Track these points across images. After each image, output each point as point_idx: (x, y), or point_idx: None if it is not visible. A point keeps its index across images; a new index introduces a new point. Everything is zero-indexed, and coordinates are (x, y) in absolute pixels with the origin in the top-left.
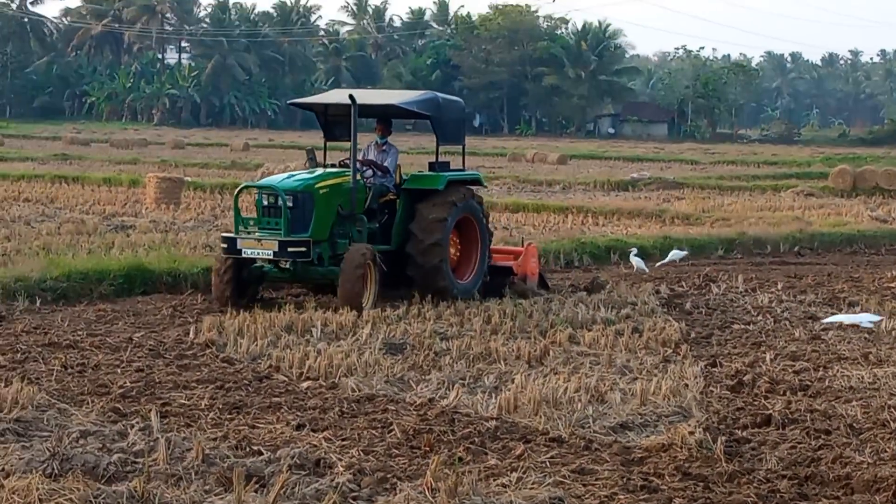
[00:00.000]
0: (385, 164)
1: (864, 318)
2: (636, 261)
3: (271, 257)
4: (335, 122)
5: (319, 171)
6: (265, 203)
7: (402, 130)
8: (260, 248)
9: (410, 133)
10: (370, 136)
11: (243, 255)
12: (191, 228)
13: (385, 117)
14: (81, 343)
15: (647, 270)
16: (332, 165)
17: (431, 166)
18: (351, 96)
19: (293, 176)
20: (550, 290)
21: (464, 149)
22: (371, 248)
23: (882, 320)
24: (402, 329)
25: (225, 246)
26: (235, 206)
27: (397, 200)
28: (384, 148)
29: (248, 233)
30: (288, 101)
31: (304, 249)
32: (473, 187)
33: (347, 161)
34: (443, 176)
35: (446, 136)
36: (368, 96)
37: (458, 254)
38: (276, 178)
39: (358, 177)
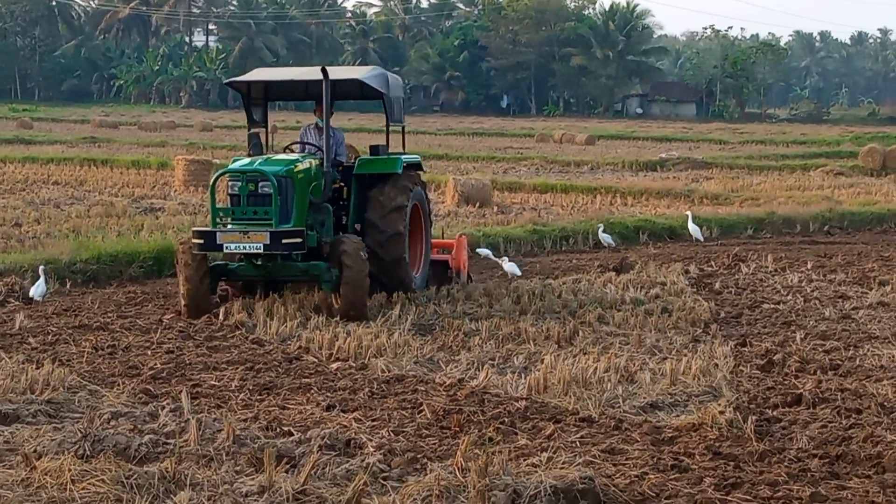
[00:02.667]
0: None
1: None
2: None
3: (261, 251)
4: (257, 105)
5: (279, 156)
6: (246, 191)
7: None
8: (247, 242)
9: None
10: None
11: (225, 252)
12: None
13: (338, 97)
14: (112, 325)
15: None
16: (276, 152)
17: (374, 150)
18: (323, 69)
19: (262, 161)
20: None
21: (404, 129)
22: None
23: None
24: (431, 310)
25: (200, 242)
26: (212, 195)
27: (343, 188)
28: (330, 132)
29: (226, 225)
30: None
31: (300, 241)
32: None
33: (294, 146)
34: (399, 159)
35: (394, 115)
36: (316, 73)
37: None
38: (247, 163)
39: (315, 163)
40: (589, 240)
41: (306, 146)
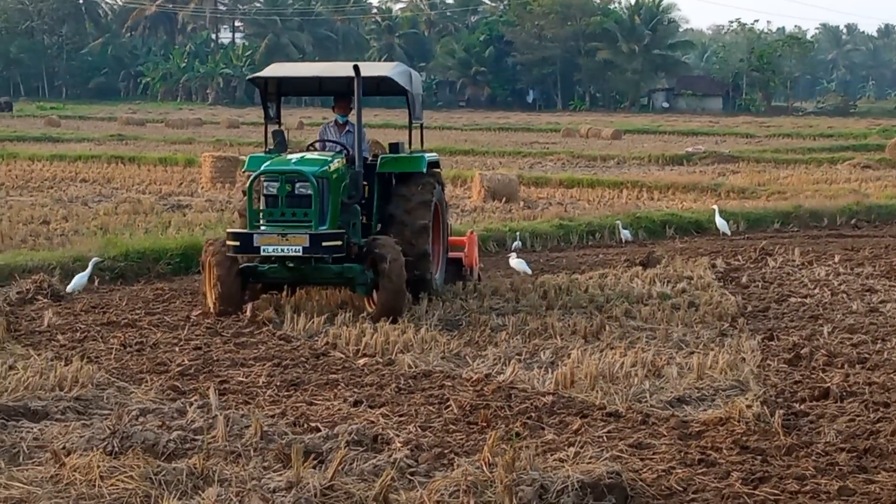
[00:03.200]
0: (351, 146)
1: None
2: (625, 233)
3: (300, 254)
4: (272, 100)
5: (310, 154)
6: (285, 192)
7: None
8: (285, 245)
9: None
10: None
11: (263, 254)
12: None
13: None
14: (140, 322)
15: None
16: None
17: (393, 147)
18: (356, 66)
19: (297, 160)
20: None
21: (422, 126)
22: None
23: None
24: (457, 305)
25: (236, 244)
26: (249, 196)
27: (365, 186)
28: (348, 129)
29: (264, 227)
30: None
31: (340, 243)
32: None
33: (316, 144)
34: (423, 157)
35: (416, 112)
36: (335, 69)
37: None
38: (284, 163)
39: (343, 161)
40: (616, 234)
41: (327, 144)
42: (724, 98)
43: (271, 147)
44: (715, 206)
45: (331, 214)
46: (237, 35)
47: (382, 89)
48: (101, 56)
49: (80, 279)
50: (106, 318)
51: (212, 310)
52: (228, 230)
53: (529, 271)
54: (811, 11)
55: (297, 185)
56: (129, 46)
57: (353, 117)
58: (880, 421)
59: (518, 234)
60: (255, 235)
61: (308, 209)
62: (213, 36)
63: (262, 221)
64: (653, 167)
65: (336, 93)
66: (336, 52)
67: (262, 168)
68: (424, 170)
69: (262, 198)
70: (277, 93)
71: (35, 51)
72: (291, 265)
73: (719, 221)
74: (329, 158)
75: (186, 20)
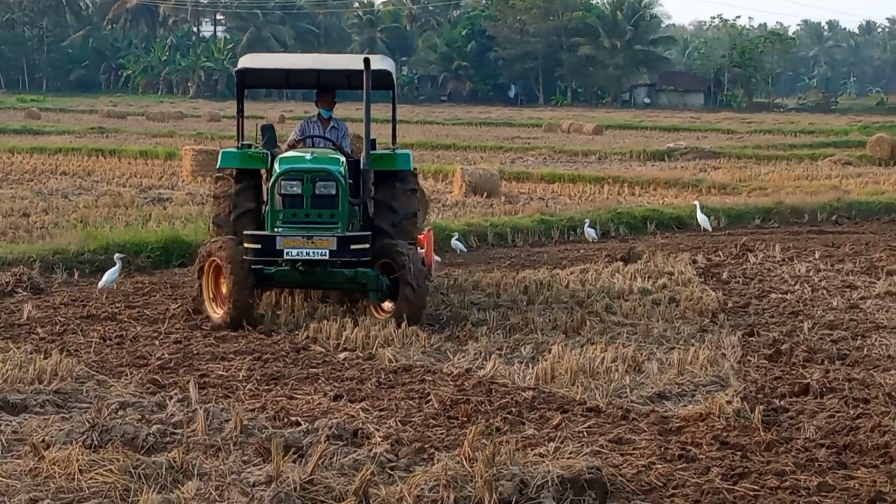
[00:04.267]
0: (339, 143)
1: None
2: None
3: (326, 258)
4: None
5: (319, 151)
6: (310, 191)
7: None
8: (311, 248)
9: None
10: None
11: (285, 258)
12: None
13: (340, 87)
14: (120, 315)
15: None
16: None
17: (372, 144)
18: (366, 59)
19: (316, 157)
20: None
21: (395, 120)
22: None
23: None
24: (438, 300)
25: (257, 247)
26: (272, 195)
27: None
28: (333, 124)
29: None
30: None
31: (367, 246)
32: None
33: (307, 141)
34: (408, 155)
35: (394, 107)
36: (334, 61)
37: None
38: (306, 160)
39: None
40: (597, 230)
41: (316, 140)
42: (706, 94)
43: (250, 143)
44: (696, 202)
45: (346, 215)
46: (219, 28)
47: (376, 83)
48: (81, 48)
49: (111, 275)
50: (86, 312)
51: (219, 319)
52: (247, 233)
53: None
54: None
55: (319, 184)
56: (110, 39)
57: (336, 112)
58: (860, 417)
59: (456, 234)
60: (277, 238)
61: (336, 210)
62: (195, 29)
63: (279, 223)
64: (634, 163)
65: (323, 86)
66: (317, 46)
67: (288, 166)
68: (411, 167)
69: (280, 197)
70: (260, 85)
71: (15, 43)
72: (303, 269)
73: (700, 217)
74: (339, 157)
75: (168, 13)
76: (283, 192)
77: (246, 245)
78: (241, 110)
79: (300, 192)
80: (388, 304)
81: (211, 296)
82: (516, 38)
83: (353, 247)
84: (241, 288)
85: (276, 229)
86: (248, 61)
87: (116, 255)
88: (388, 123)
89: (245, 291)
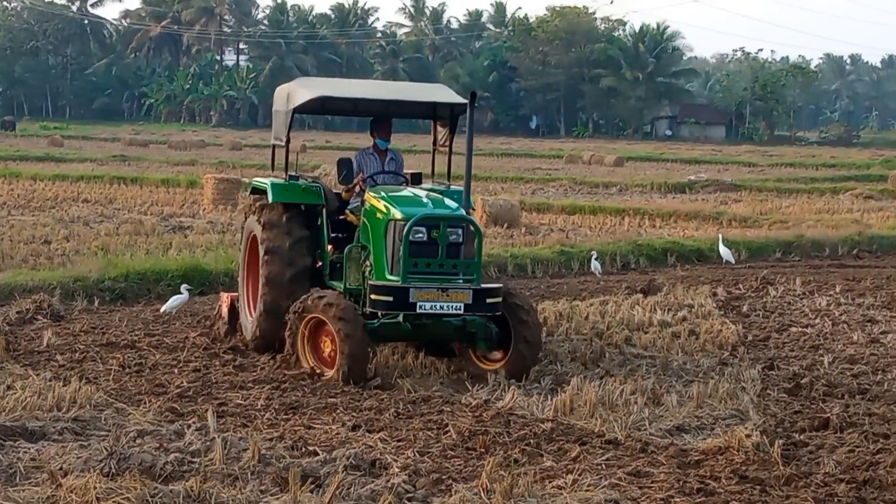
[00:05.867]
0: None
1: None
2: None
3: (461, 312)
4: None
5: (422, 192)
6: (446, 240)
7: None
8: (445, 301)
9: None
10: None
11: (417, 312)
12: None
13: (409, 116)
14: (139, 343)
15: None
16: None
17: (416, 177)
18: (473, 93)
19: (438, 201)
20: None
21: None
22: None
23: None
24: None
25: (388, 299)
26: (406, 243)
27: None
28: (391, 156)
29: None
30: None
31: (500, 300)
32: None
33: (378, 178)
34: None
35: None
36: (409, 91)
37: None
38: (420, 202)
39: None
40: (617, 261)
41: (383, 177)
42: (727, 126)
43: (297, 174)
44: (719, 235)
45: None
46: (242, 57)
47: (431, 114)
48: (105, 76)
49: (176, 301)
50: (105, 339)
51: (332, 376)
52: (375, 283)
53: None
54: (815, 41)
55: (450, 230)
56: (133, 67)
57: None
58: (880, 452)
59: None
60: (411, 290)
61: (472, 261)
62: (218, 57)
63: (395, 272)
64: (655, 195)
65: (382, 115)
66: (340, 76)
67: (424, 213)
68: (473, 208)
69: (405, 245)
70: (323, 112)
71: (39, 70)
72: (418, 322)
73: (723, 250)
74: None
75: (191, 42)
76: (411, 238)
77: (373, 297)
78: (289, 139)
79: (436, 239)
80: (496, 354)
81: (306, 352)
82: (538, 70)
83: (488, 300)
84: (358, 345)
85: (407, 280)
86: (318, 88)
87: (184, 286)
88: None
89: (363, 348)
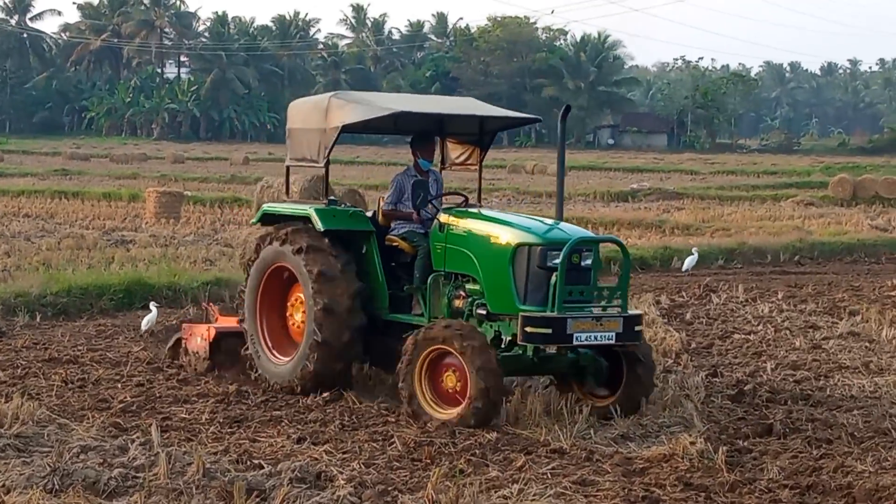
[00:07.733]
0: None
1: None
2: None
3: (612, 342)
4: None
5: (548, 221)
6: (599, 266)
7: (365, 141)
8: (599, 331)
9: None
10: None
11: (574, 344)
12: (191, 242)
13: (452, 134)
14: (82, 358)
15: None
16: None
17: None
18: (567, 106)
19: (564, 226)
20: None
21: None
22: None
23: None
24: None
25: (546, 332)
26: (562, 273)
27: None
28: (434, 177)
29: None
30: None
31: (641, 329)
32: None
33: (434, 201)
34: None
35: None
36: (460, 104)
37: None
38: (555, 226)
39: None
40: None
41: (432, 200)
42: (669, 135)
43: (336, 198)
44: (695, 249)
45: None
46: (183, 70)
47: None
48: (45, 90)
49: (152, 319)
50: (47, 355)
51: (452, 418)
52: (528, 314)
53: None
54: (755, 49)
55: (584, 254)
56: (73, 81)
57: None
58: (823, 457)
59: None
60: (568, 320)
61: (622, 288)
62: (159, 70)
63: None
64: (598, 203)
65: (425, 132)
66: (282, 88)
67: (579, 236)
68: None
69: (561, 272)
70: (357, 130)
71: None
72: (542, 354)
73: (688, 260)
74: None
75: (132, 55)
76: (568, 265)
77: (528, 330)
78: (329, 161)
79: (589, 264)
80: (602, 391)
81: (423, 391)
82: (480, 80)
83: (636, 328)
84: (496, 379)
85: (563, 311)
86: (371, 103)
87: (152, 304)
88: (351, 165)
89: (500, 385)
